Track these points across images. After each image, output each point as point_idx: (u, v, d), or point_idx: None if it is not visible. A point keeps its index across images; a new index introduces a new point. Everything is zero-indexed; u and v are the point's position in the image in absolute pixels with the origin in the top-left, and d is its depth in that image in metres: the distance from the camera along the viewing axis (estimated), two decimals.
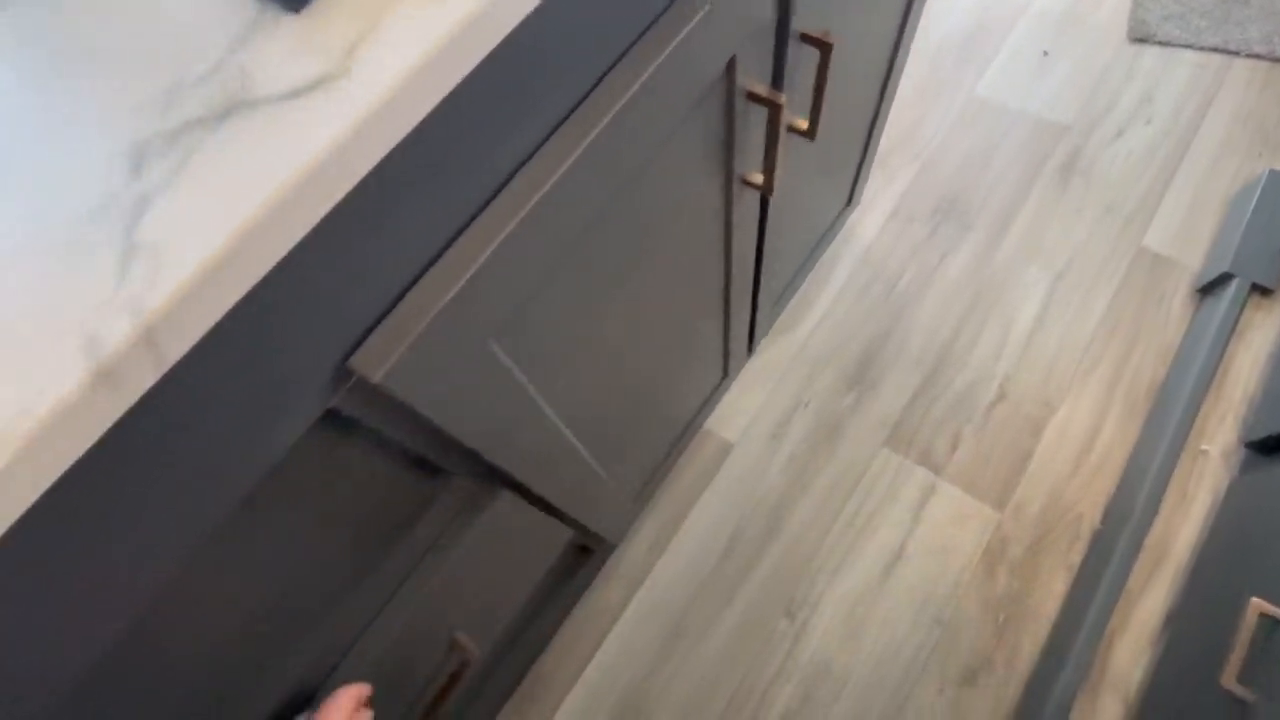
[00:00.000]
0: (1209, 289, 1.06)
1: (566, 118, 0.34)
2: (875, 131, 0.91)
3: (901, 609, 0.93)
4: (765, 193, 0.57)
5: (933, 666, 0.90)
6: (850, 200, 1.05)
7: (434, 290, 0.31)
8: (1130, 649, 0.87)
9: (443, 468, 0.43)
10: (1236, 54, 1.23)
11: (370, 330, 0.30)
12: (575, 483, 0.61)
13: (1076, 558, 0.94)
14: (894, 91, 0.86)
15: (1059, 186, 1.17)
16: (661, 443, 0.89)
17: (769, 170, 0.55)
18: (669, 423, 0.87)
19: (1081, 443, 1.00)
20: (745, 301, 0.83)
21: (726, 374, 0.96)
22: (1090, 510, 0.96)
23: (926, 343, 1.09)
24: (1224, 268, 1.01)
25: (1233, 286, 1.00)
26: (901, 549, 0.97)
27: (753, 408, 1.07)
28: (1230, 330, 1.00)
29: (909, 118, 1.26)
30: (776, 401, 1.07)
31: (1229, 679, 0.64)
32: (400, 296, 0.31)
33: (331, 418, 0.33)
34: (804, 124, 0.56)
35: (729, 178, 0.54)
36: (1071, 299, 1.09)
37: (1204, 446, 0.96)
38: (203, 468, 0.26)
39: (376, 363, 0.30)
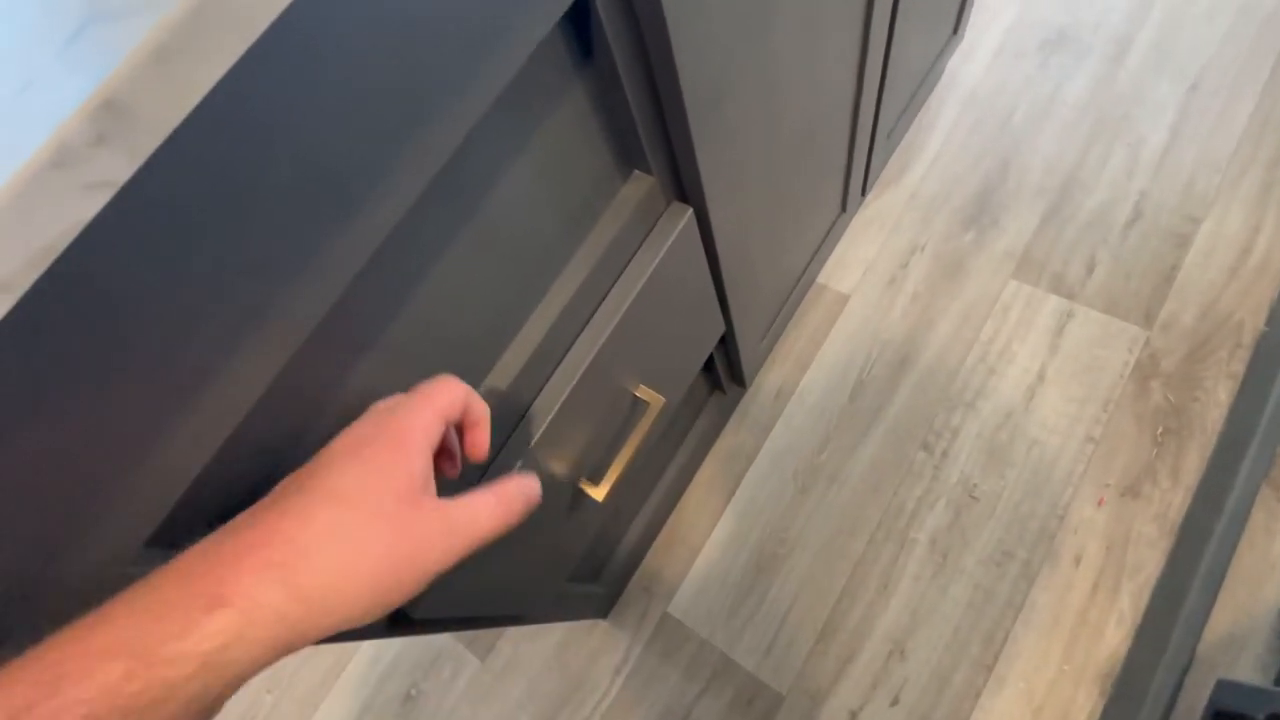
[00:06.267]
0: None
1: None
2: None
3: (1048, 430, 0.90)
4: None
5: (1089, 481, 0.87)
6: (956, 29, 1.01)
7: None
8: None
9: (638, 156, 0.44)
10: None
11: None
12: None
13: (1239, 366, 0.88)
14: None
15: None
16: (785, 280, 0.89)
17: None
18: (792, 257, 0.86)
19: (1236, 250, 0.94)
20: (870, 115, 0.82)
21: (844, 209, 0.95)
22: (1252, 316, 0.90)
23: (1048, 172, 1.04)
24: None
25: None
26: (1042, 374, 0.93)
27: (866, 259, 1.06)
28: None
29: None
30: (891, 250, 1.05)
31: None
32: None
33: (565, 36, 0.35)
34: None
35: None
36: (1209, 108, 1.02)
37: None
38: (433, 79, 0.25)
39: None
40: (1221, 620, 0.76)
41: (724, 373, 0.86)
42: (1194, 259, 0.95)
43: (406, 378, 0.32)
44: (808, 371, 1.01)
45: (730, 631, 0.90)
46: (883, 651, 0.85)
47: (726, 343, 0.76)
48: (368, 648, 1.01)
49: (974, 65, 1.13)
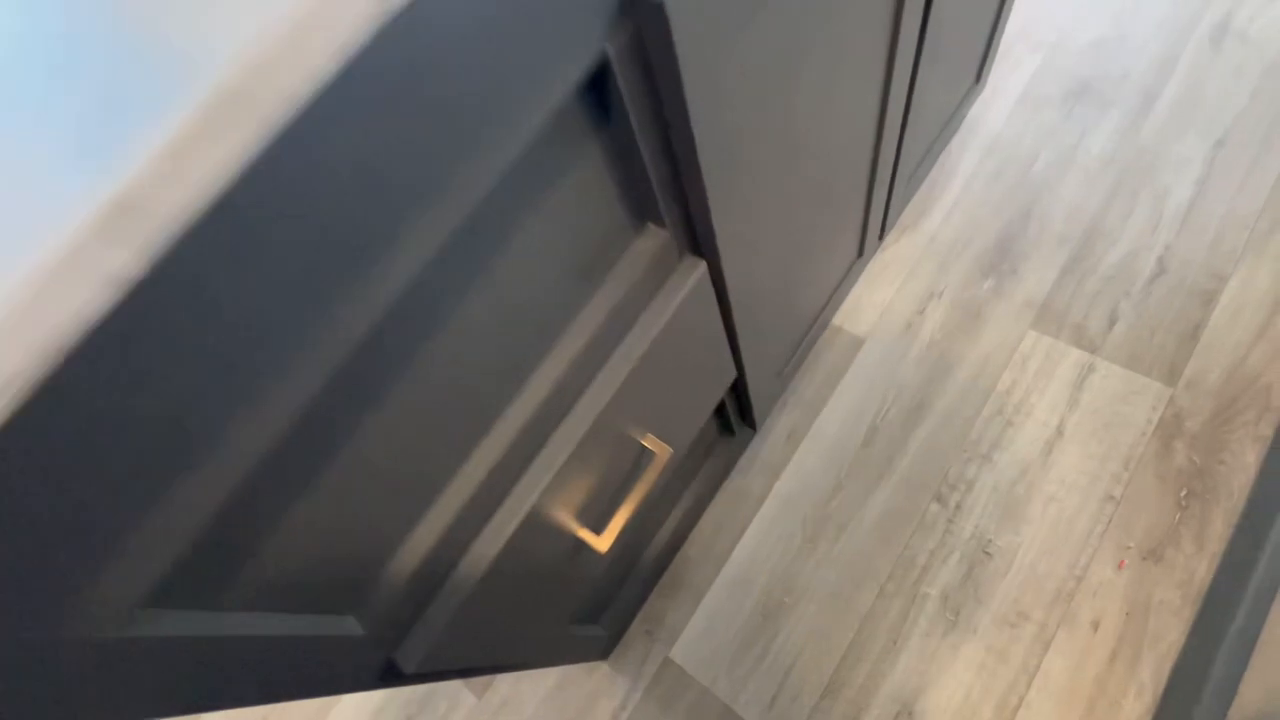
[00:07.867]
0: None
1: None
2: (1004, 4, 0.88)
3: (1067, 487, 0.88)
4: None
5: (1109, 542, 0.84)
6: (978, 79, 1.01)
7: None
8: None
9: (651, 210, 0.44)
10: None
11: None
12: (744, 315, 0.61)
13: (1268, 430, 0.86)
14: None
15: (1211, 52, 1.08)
16: (799, 325, 0.88)
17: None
18: (807, 302, 0.86)
19: (1265, 309, 0.91)
20: (889, 164, 0.82)
21: (861, 254, 0.95)
22: None
23: (1070, 222, 1.03)
24: None
25: None
26: (1061, 428, 0.91)
27: (882, 302, 1.05)
28: None
29: (1031, 4, 1.20)
30: (908, 294, 1.04)
31: None
32: None
33: (587, 92, 0.35)
34: None
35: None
36: (1237, 164, 1.00)
37: None
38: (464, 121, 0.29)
39: None
40: (1251, 698, 0.72)
41: (734, 415, 0.85)
42: (1220, 317, 0.93)
43: (415, 426, 0.32)
44: (820, 414, 1.00)
45: (733, 681, 0.88)
46: (889, 713, 0.82)
47: (738, 387, 0.76)
48: None
49: (996, 113, 1.13)
